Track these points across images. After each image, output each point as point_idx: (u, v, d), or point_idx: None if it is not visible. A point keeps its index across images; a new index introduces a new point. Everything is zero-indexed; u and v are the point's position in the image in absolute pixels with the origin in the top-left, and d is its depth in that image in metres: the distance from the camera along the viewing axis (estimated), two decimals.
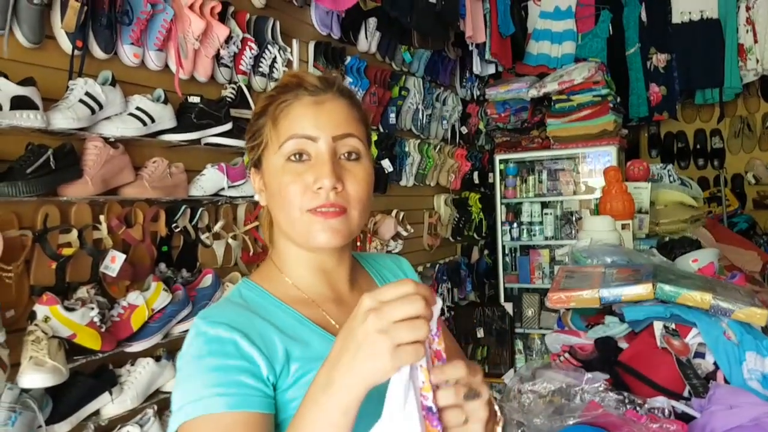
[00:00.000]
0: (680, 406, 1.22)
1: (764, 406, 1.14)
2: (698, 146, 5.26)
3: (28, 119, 1.49)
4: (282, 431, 0.78)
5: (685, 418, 1.18)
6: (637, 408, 1.16)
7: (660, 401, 1.22)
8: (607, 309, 1.58)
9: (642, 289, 1.43)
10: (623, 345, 1.45)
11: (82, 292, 1.67)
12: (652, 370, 1.32)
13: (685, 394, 1.29)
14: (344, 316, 0.87)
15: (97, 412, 1.69)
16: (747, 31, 4.33)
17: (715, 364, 1.35)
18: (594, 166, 4.20)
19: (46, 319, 1.54)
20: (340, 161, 0.86)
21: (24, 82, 1.51)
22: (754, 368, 1.32)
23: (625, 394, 1.21)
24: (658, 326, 1.39)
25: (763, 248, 3.73)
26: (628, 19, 4.53)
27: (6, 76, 1.46)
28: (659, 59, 4.47)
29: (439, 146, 3.79)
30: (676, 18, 4.47)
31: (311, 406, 0.65)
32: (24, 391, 1.48)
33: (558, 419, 1.13)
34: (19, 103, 1.47)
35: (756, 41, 4.30)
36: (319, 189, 0.83)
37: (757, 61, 4.31)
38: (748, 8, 4.33)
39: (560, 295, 1.51)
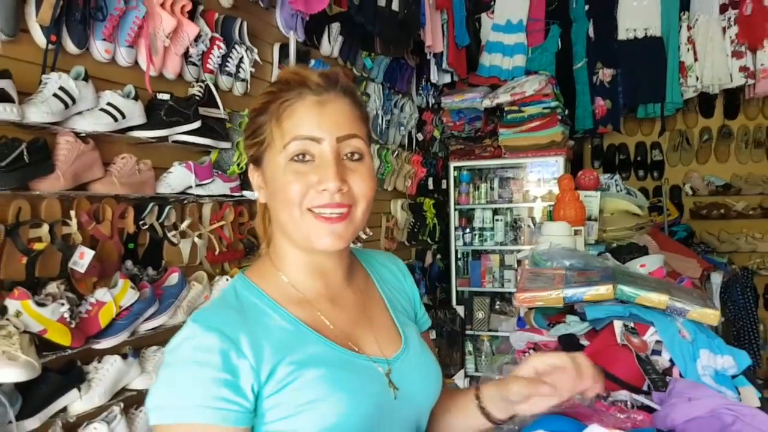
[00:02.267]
0: (642, 399, 1.31)
1: (720, 399, 1.24)
2: (639, 158, 5.50)
3: (4, 112, 1.48)
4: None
5: (646, 411, 1.27)
6: (602, 400, 1.25)
7: (623, 395, 1.31)
8: (568, 308, 1.67)
9: (603, 290, 1.52)
10: (584, 342, 1.55)
11: (52, 287, 1.65)
12: (613, 365, 1.41)
13: (644, 387, 1.38)
14: (339, 314, 0.93)
15: (64, 409, 1.67)
16: (688, 50, 4.54)
17: (670, 360, 1.45)
18: (542, 175, 4.36)
19: (18, 314, 1.52)
20: (343, 161, 0.88)
21: (1, 75, 1.49)
22: (707, 365, 1.43)
23: None
24: (618, 325, 1.48)
25: (700, 255, 3.95)
26: (577, 35, 4.70)
27: None
28: (605, 74, 4.65)
29: (396, 152, 3.86)
30: (622, 35, 4.65)
31: None
32: None
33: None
34: None
35: (696, 59, 4.51)
36: (324, 190, 0.85)
37: (697, 78, 4.52)
38: (689, 27, 4.54)
39: (526, 295, 1.60)
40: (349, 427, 0.81)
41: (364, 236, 3.26)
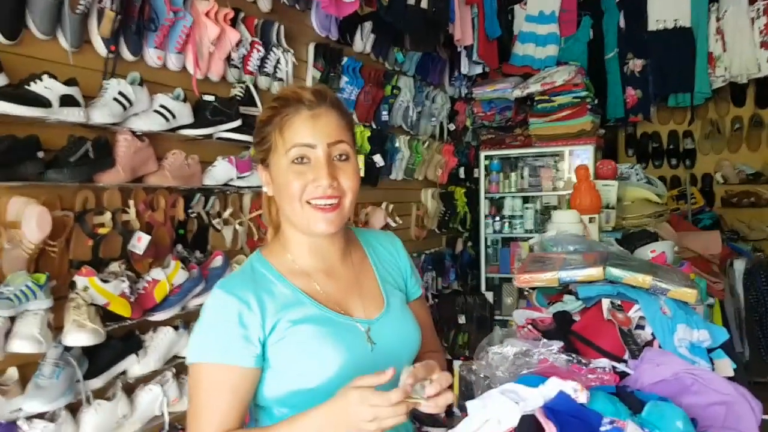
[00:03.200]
0: (620, 366, 1.48)
1: (683, 365, 1.41)
2: (671, 147, 5.55)
3: (73, 115, 1.73)
4: (264, 374, 1.08)
5: (624, 377, 1.45)
6: (582, 366, 1.43)
7: (603, 362, 1.48)
8: (566, 289, 1.85)
9: (594, 271, 1.69)
10: (576, 318, 1.72)
11: (114, 266, 1.92)
12: (598, 337, 1.59)
13: (626, 357, 1.56)
14: (332, 284, 1.19)
15: (124, 372, 1.95)
16: (716, 41, 4.58)
17: (652, 334, 1.62)
18: (572, 163, 4.48)
19: (85, 289, 1.78)
20: (333, 162, 1.11)
21: (69, 82, 1.75)
22: (683, 338, 1.59)
23: (574, 355, 1.48)
24: (605, 302, 1.65)
25: (725, 242, 4.02)
26: (608, 25, 4.79)
27: (55, 78, 1.69)
28: (635, 64, 4.72)
29: (427, 142, 4.05)
30: (652, 26, 4.71)
31: (303, 426, 0.99)
32: (66, 349, 1.73)
33: (515, 372, 1.40)
34: (66, 101, 1.71)
35: (725, 50, 4.56)
36: (318, 186, 1.09)
37: (725, 68, 4.57)
38: (718, 19, 4.58)
39: (525, 276, 1.78)
40: (331, 369, 1.06)
41: (393, 224, 3.46)
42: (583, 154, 4.39)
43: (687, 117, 5.45)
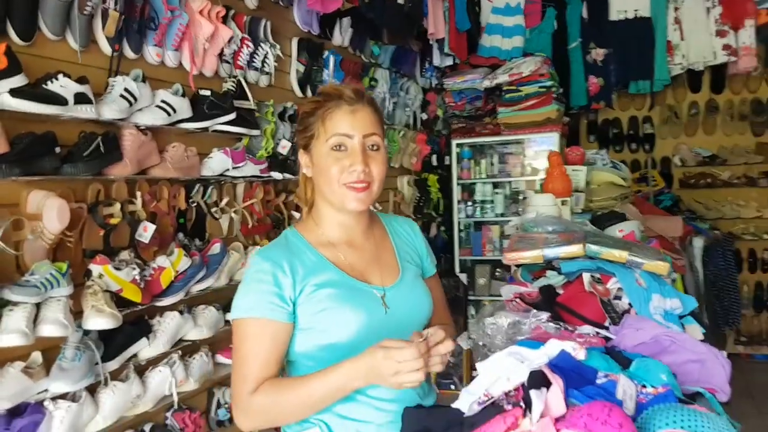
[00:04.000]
0: (602, 332, 1.66)
1: (661, 329, 1.59)
2: (631, 132, 5.81)
3: (86, 112, 1.82)
4: (295, 331, 1.25)
5: (607, 341, 1.63)
6: (570, 333, 1.60)
7: (587, 329, 1.66)
8: (548, 265, 2.02)
9: (575, 249, 1.87)
10: (560, 291, 1.90)
11: (124, 255, 2.01)
12: (581, 307, 1.76)
13: (606, 324, 1.74)
14: (355, 255, 1.36)
15: (135, 355, 2.05)
16: (675, 30, 4.82)
17: (629, 303, 1.80)
18: (538, 149, 4.69)
19: (100, 276, 1.88)
20: (367, 151, 1.28)
21: (81, 81, 1.82)
22: (657, 306, 1.77)
23: (561, 323, 1.65)
24: (586, 276, 1.83)
25: (685, 222, 4.28)
26: (571, 16, 4.97)
27: (69, 77, 1.77)
28: (598, 53, 4.92)
29: (402, 131, 4.19)
30: (614, 16, 4.91)
31: (333, 380, 1.16)
32: (85, 333, 1.83)
33: (512, 339, 1.56)
34: (80, 99, 1.79)
35: (682, 38, 4.79)
36: (354, 171, 1.25)
37: (683, 56, 4.81)
38: (676, 9, 4.82)
39: (513, 254, 1.95)
40: (350, 329, 1.23)
41: (373, 210, 3.60)
42: (549, 141, 4.59)
43: (646, 103, 5.73)
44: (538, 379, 1.13)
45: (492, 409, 1.09)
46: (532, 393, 1.08)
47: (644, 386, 1.22)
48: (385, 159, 1.30)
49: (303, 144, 1.34)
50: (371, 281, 1.32)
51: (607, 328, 1.73)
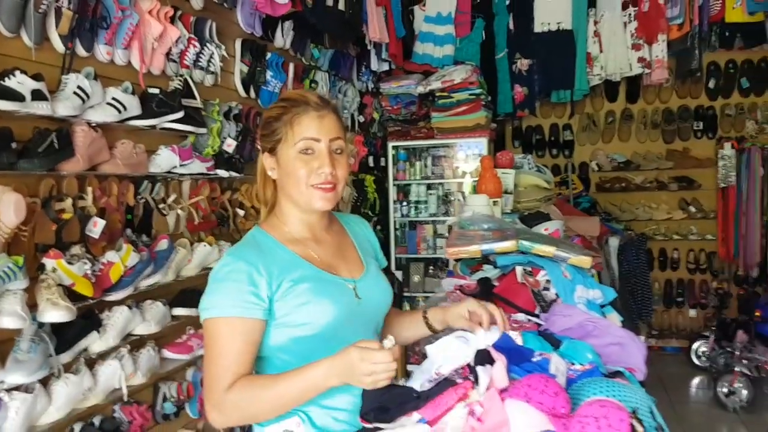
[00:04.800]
0: (534, 319, 1.84)
1: (586, 315, 1.78)
2: (552, 138, 6.16)
3: (42, 108, 1.85)
4: (269, 327, 1.31)
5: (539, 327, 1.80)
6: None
7: (521, 316, 1.84)
8: (485, 260, 2.20)
9: (509, 244, 2.05)
10: (496, 283, 2.07)
11: (75, 249, 2.04)
12: (515, 297, 1.94)
13: (537, 312, 1.92)
14: (322, 251, 1.45)
15: (86, 348, 2.07)
16: (594, 42, 5.08)
17: (556, 293, 1.99)
18: (468, 153, 4.91)
19: (54, 270, 1.90)
20: (332, 154, 1.37)
21: (36, 77, 1.85)
22: (581, 296, 1.97)
23: None
24: (519, 269, 2.01)
25: (602, 222, 4.60)
26: (498, 27, 5.16)
27: (26, 73, 1.80)
28: (522, 63, 5.16)
29: None
30: (538, 28, 5.13)
31: (310, 377, 1.22)
32: (39, 326, 1.85)
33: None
34: (36, 95, 1.81)
35: (601, 51, 5.06)
36: (321, 173, 1.34)
37: (602, 67, 5.09)
38: (596, 22, 5.09)
39: (454, 249, 2.11)
40: (327, 319, 1.31)
41: None
42: (478, 146, 4.82)
43: (567, 111, 6.08)
44: (484, 357, 1.28)
45: (445, 383, 1.23)
46: (479, 369, 1.23)
47: (573, 364, 1.39)
48: (347, 162, 1.41)
49: (268, 147, 1.39)
50: (341, 274, 1.41)
51: (538, 316, 1.91)
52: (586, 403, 1.07)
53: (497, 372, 1.20)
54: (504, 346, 1.39)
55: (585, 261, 2.02)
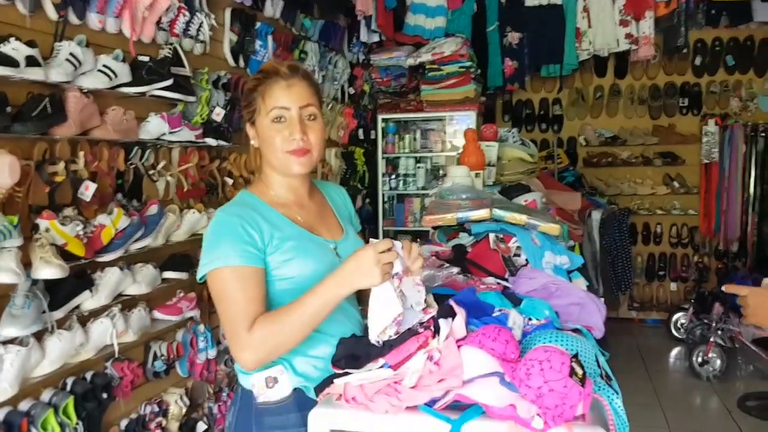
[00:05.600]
0: (502, 282, 1.95)
1: (550, 278, 1.89)
2: (542, 112, 6.23)
3: (36, 74, 1.92)
4: (269, 278, 1.39)
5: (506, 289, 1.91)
6: (476, 280, 1.88)
7: (490, 279, 1.94)
8: (460, 227, 2.30)
9: (483, 212, 2.15)
10: (469, 249, 2.17)
11: (68, 211, 2.12)
12: (486, 262, 2.04)
13: (507, 276, 2.03)
14: (305, 214, 1.52)
15: (78, 306, 2.17)
16: (583, 18, 5.11)
17: (526, 259, 2.10)
18: (458, 127, 4.99)
19: (47, 230, 1.99)
20: (305, 121, 1.45)
21: (30, 44, 1.92)
22: (549, 261, 2.08)
23: (469, 275, 1.92)
24: (492, 236, 2.11)
25: (585, 197, 4.71)
26: (490, 0, 5.25)
27: (20, 40, 1.86)
28: (513, 37, 5.21)
29: (331, 105, 4.37)
30: (529, 2, 5.13)
31: (323, 292, 1.28)
32: (33, 283, 1.95)
33: (430, 286, 1.82)
34: (30, 61, 1.89)
35: (590, 26, 5.09)
36: (293, 139, 1.42)
37: (590, 42, 5.12)
38: None
39: (431, 217, 2.21)
40: (310, 275, 1.39)
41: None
42: (467, 119, 4.90)
43: (556, 86, 6.14)
44: (447, 311, 1.38)
45: (407, 333, 1.33)
46: (441, 321, 1.33)
47: (530, 319, 1.50)
48: (322, 127, 1.48)
49: (249, 118, 1.49)
50: (323, 235, 1.50)
51: (506, 279, 2.02)
52: (533, 349, 1.18)
53: (456, 324, 1.31)
54: (466, 301, 1.50)
55: (554, 228, 2.12)
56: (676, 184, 5.90)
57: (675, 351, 5.31)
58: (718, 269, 5.63)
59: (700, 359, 4.58)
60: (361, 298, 1.60)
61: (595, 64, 5.97)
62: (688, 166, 5.86)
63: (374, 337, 1.28)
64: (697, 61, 5.84)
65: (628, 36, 5.03)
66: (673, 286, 6.04)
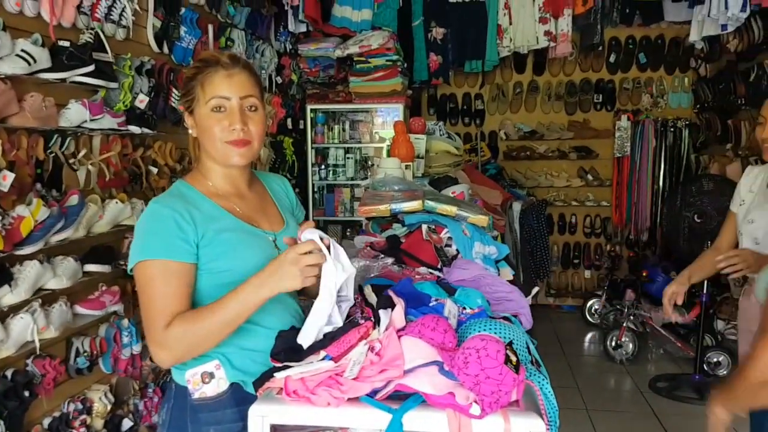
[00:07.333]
0: (435, 272, 2.00)
1: (480, 270, 1.96)
2: (465, 107, 6.38)
3: None
4: (199, 272, 1.37)
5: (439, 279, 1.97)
6: (411, 270, 1.93)
7: (424, 269, 2.00)
8: (394, 218, 2.34)
9: (416, 204, 2.20)
10: (403, 240, 2.22)
11: None
12: (420, 252, 2.09)
13: (439, 266, 2.08)
14: (244, 205, 1.52)
15: None
16: (504, 15, 5.27)
17: (457, 249, 2.16)
18: (385, 119, 5.04)
19: None
20: (245, 112, 1.43)
21: None
22: (478, 251, 2.15)
23: (403, 265, 1.97)
24: (424, 227, 2.16)
25: (506, 189, 4.88)
26: None
27: None
28: (438, 32, 5.30)
29: None
30: None
31: (243, 294, 1.28)
32: None
33: (365, 277, 1.85)
34: None
35: (510, 23, 5.26)
36: (233, 129, 1.41)
37: (511, 39, 5.29)
38: None
39: (366, 208, 2.24)
40: (247, 268, 1.36)
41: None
42: (394, 112, 4.96)
43: (478, 81, 6.30)
44: (386, 301, 1.42)
45: (349, 324, 1.36)
46: (381, 312, 1.37)
47: (464, 308, 1.56)
48: (263, 119, 1.47)
49: (187, 107, 1.46)
50: (262, 227, 1.48)
51: (440, 269, 2.08)
52: (469, 338, 1.23)
53: (396, 314, 1.34)
54: (404, 291, 1.54)
55: (482, 220, 2.20)
56: (590, 176, 6.19)
57: (590, 335, 5.59)
58: (629, 257, 5.95)
59: (613, 343, 4.85)
60: (303, 289, 1.62)
61: (515, 60, 6.16)
62: (602, 160, 6.16)
63: (303, 341, 1.30)
64: (612, 58, 6.13)
65: (547, 33, 5.23)
66: (588, 273, 6.35)
